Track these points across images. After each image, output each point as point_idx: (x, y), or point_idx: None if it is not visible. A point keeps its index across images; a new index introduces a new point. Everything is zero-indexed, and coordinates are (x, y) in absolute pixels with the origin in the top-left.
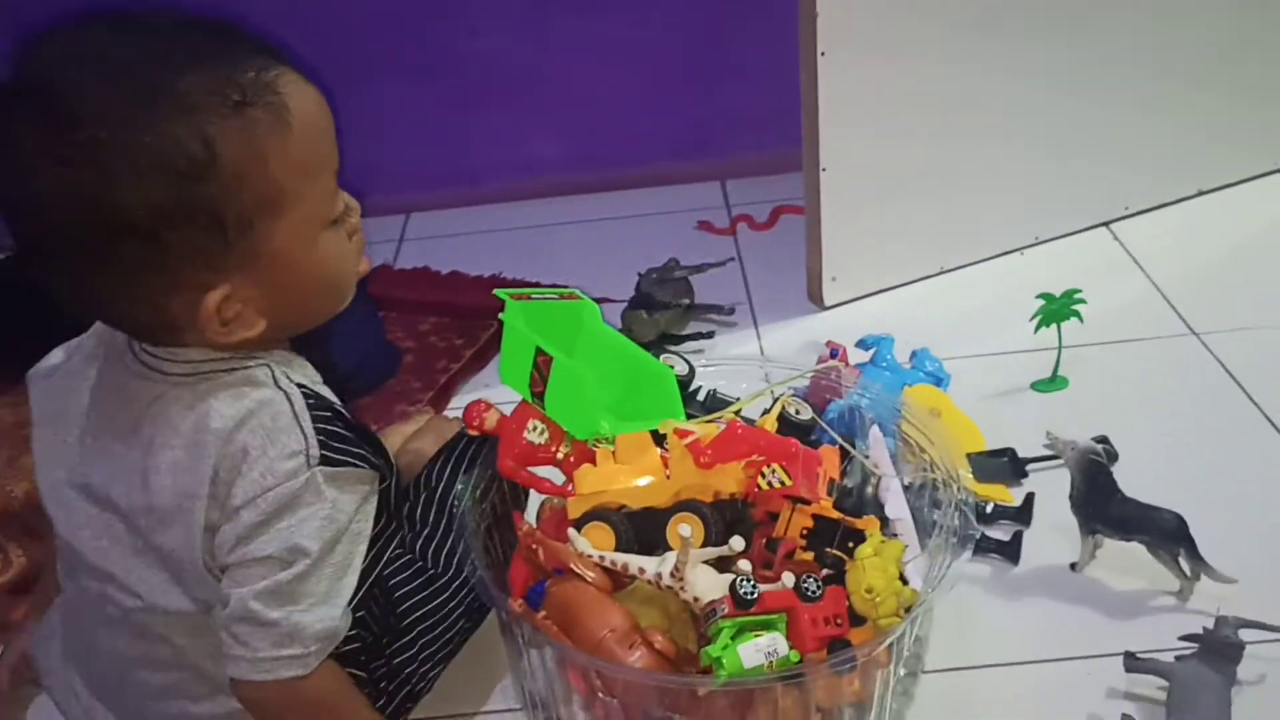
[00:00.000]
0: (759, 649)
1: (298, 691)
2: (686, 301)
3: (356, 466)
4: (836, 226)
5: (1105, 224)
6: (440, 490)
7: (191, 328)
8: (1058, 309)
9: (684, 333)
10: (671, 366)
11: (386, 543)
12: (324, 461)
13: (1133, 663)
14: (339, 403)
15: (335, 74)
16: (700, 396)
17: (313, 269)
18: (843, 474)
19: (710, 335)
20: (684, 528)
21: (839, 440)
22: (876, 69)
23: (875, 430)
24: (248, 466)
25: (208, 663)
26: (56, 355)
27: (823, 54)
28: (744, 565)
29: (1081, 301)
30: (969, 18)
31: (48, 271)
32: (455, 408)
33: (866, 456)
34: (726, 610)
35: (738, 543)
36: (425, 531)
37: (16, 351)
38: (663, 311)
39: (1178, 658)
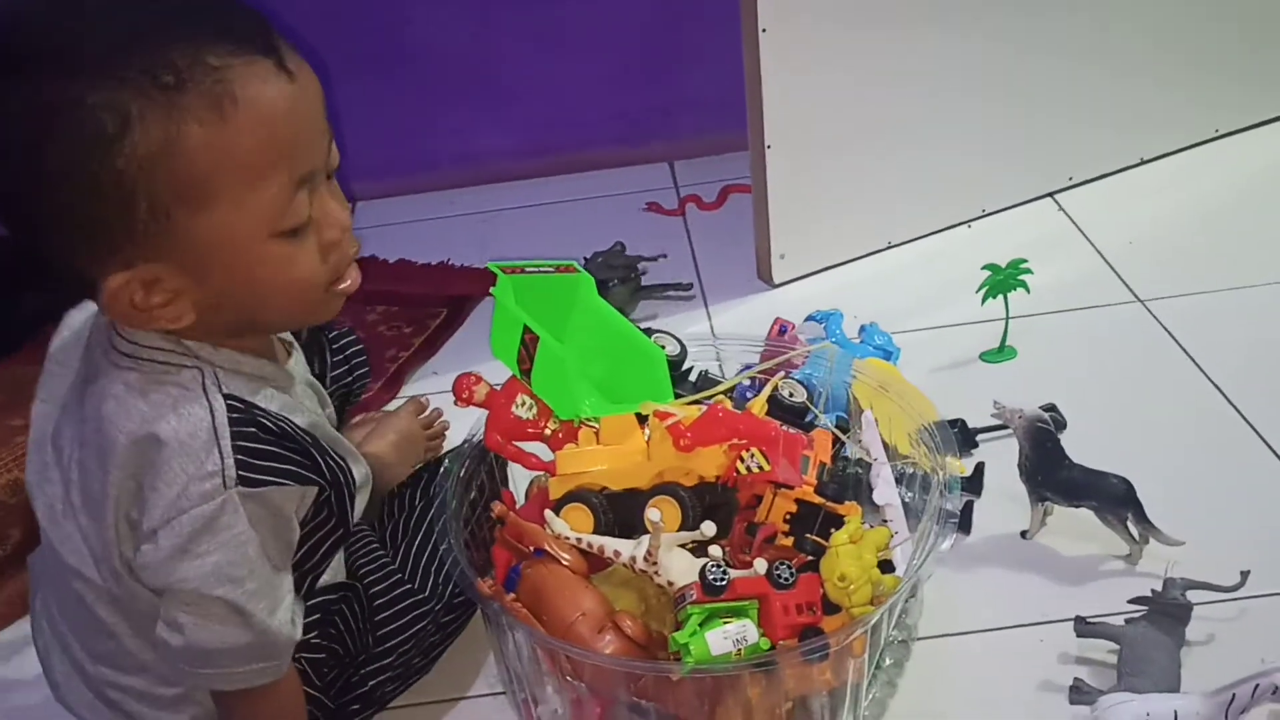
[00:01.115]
0: (727, 636)
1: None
2: (634, 278)
3: (281, 485)
4: (783, 204)
5: (1050, 194)
6: (422, 506)
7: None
8: (1004, 280)
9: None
10: (663, 346)
11: (364, 552)
12: (243, 482)
13: (1083, 627)
14: (277, 414)
15: None
16: (692, 377)
17: (253, 275)
18: (835, 458)
19: (689, 287)
20: (653, 512)
21: (830, 426)
22: (818, 45)
23: (868, 414)
24: (163, 484)
25: (130, 641)
26: (76, 318)
27: (764, 30)
28: (715, 551)
29: (1027, 272)
30: None
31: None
32: (404, 396)
33: (859, 441)
34: (695, 596)
35: (709, 528)
36: (415, 548)
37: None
38: (610, 292)
39: (1127, 621)
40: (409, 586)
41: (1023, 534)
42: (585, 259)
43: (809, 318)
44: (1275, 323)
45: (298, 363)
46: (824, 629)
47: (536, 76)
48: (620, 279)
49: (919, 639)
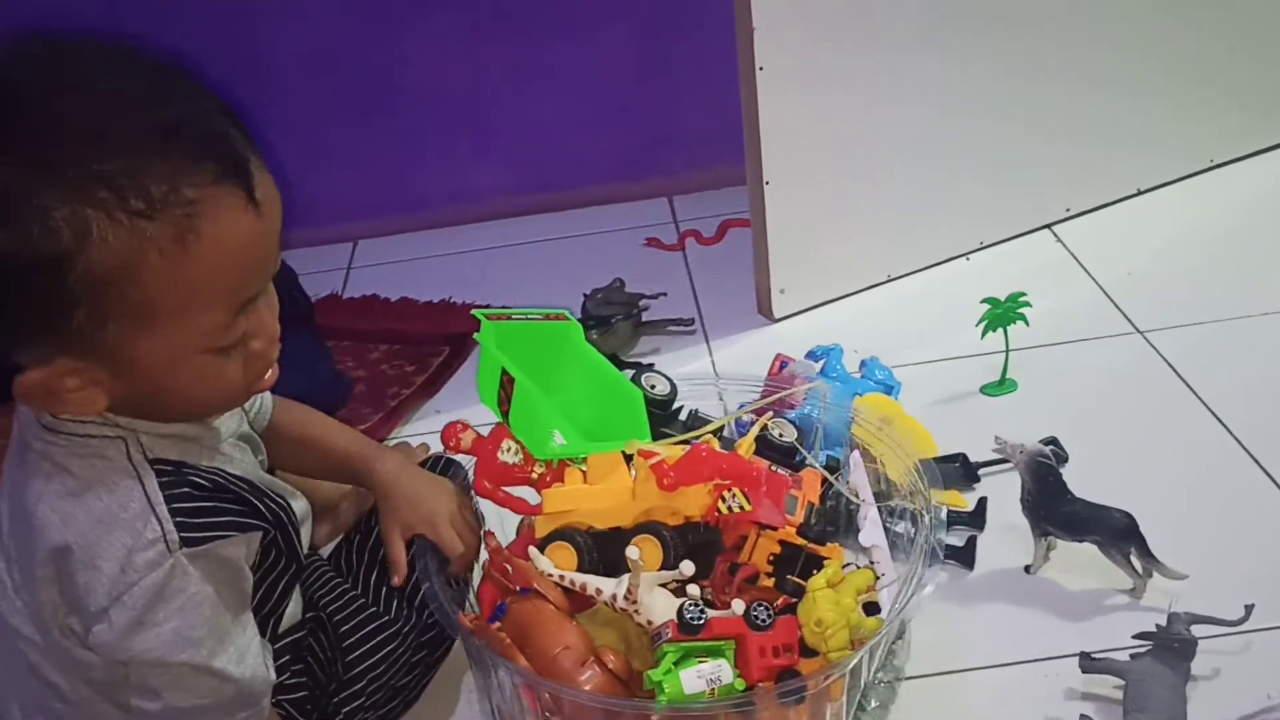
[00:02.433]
0: (701, 675)
1: None
2: (635, 314)
3: (225, 536)
4: (783, 239)
5: (1048, 226)
6: (377, 531)
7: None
8: (1003, 313)
9: (630, 358)
10: (653, 386)
11: (321, 582)
12: (186, 544)
13: (1088, 663)
14: (208, 469)
15: (279, 107)
16: (682, 416)
17: (176, 381)
18: (823, 498)
19: (690, 322)
20: (632, 550)
21: (818, 467)
22: (815, 82)
23: (856, 455)
24: (103, 562)
25: (81, 704)
26: None
27: (761, 69)
28: (693, 590)
29: (1026, 305)
30: (905, 29)
31: None
32: (407, 435)
33: (847, 482)
34: (671, 635)
35: (688, 568)
36: (375, 574)
37: None
38: (613, 328)
39: (1132, 656)
40: (374, 610)
41: (1026, 569)
42: (585, 295)
43: (809, 354)
44: (1273, 353)
45: (229, 417)
46: (801, 671)
47: (533, 113)
48: (623, 315)
49: (916, 677)
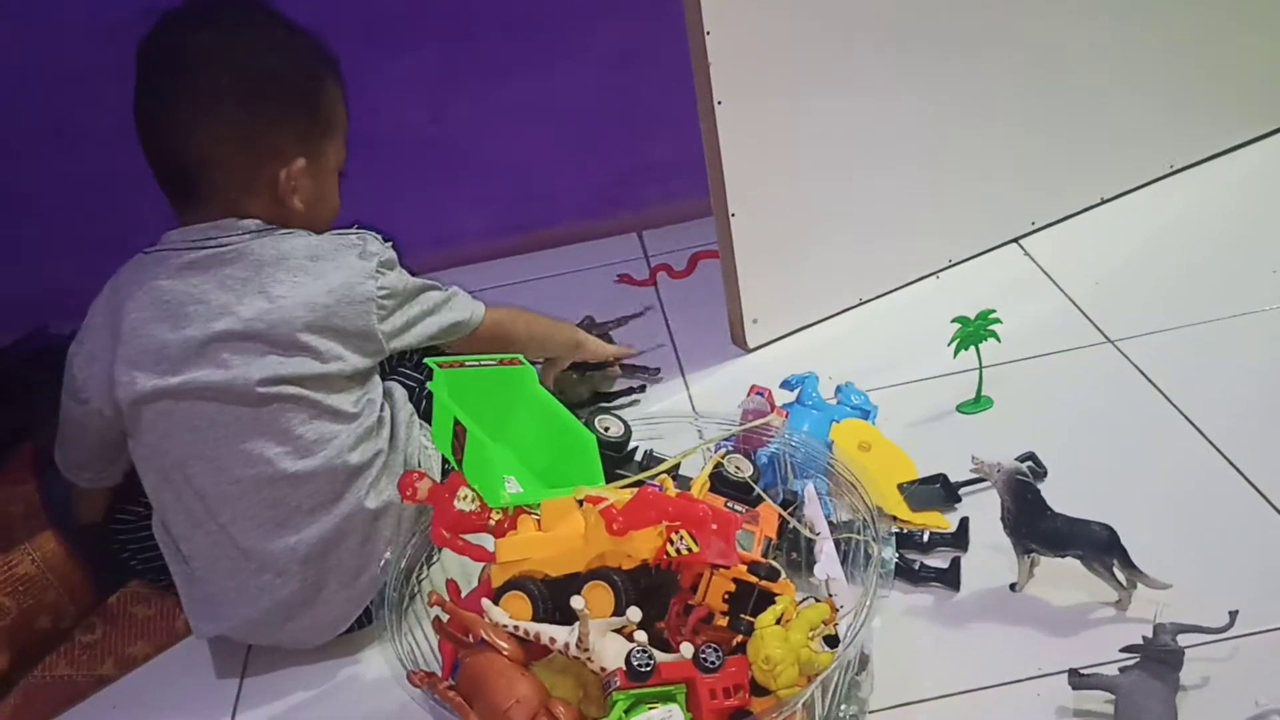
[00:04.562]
0: None
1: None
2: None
3: None
4: (752, 269)
5: (1015, 240)
6: None
7: (268, 185)
8: (974, 331)
9: (615, 389)
10: (608, 428)
11: None
12: None
13: (1078, 679)
14: None
15: None
16: (638, 457)
17: (330, 193)
18: (781, 532)
19: (642, 389)
20: (576, 600)
21: (772, 502)
22: (774, 112)
23: (810, 488)
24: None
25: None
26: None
27: (719, 103)
28: (640, 636)
29: (997, 321)
30: (861, 57)
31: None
32: None
33: (801, 518)
34: (619, 683)
35: (634, 613)
36: None
37: None
38: (593, 370)
39: (1121, 670)
40: None
41: (1012, 587)
42: None
43: (784, 383)
44: (1244, 355)
45: None
46: (754, 711)
47: (499, 157)
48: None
49: (906, 704)
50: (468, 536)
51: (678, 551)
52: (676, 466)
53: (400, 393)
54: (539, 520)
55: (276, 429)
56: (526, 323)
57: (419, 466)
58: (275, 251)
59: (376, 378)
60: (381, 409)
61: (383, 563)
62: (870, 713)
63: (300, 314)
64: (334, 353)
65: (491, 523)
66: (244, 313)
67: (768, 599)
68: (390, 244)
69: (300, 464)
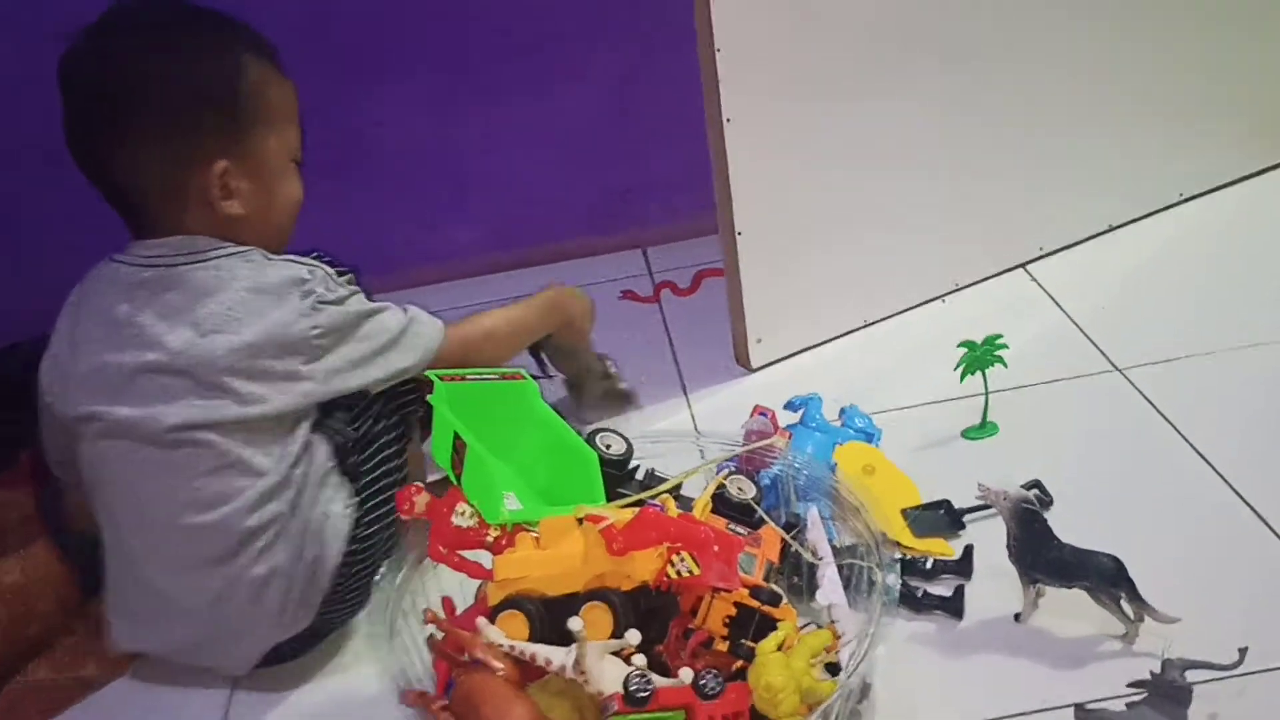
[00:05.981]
0: None
1: None
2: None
3: None
4: (757, 289)
5: (1022, 265)
6: None
7: (198, 196)
8: (980, 356)
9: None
10: (609, 446)
11: None
12: None
13: (1083, 715)
14: None
15: None
16: (639, 475)
17: (280, 186)
18: (782, 556)
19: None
20: (574, 622)
21: (774, 525)
22: (783, 131)
23: (813, 512)
24: None
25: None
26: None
27: (728, 120)
28: (639, 660)
29: (1003, 347)
30: (869, 77)
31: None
32: None
33: (803, 542)
34: (616, 708)
35: (634, 636)
36: None
37: None
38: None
39: (1128, 705)
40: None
41: (1016, 617)
42: None
43: (788, 404)
44: (1252, 386)
45: None
46: None
47: (504, 173)
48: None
49: None
50: (465, 553)
51: (678, 573)
52: (678, 486)
53: (323, 450)
54: (538, 538)
55: (181, 477)
56: (491, 328)
57: (320, 534)
58: (215, 280)
59: (304, 427)
60: (295, 465)
61: (378, 578)
62: None
63: (222, 355)
64: (255, 395)
65: (489, 539)
66: (172, 344)
67: (769, 624)
68: (348, 275)
69: (197, 518)
